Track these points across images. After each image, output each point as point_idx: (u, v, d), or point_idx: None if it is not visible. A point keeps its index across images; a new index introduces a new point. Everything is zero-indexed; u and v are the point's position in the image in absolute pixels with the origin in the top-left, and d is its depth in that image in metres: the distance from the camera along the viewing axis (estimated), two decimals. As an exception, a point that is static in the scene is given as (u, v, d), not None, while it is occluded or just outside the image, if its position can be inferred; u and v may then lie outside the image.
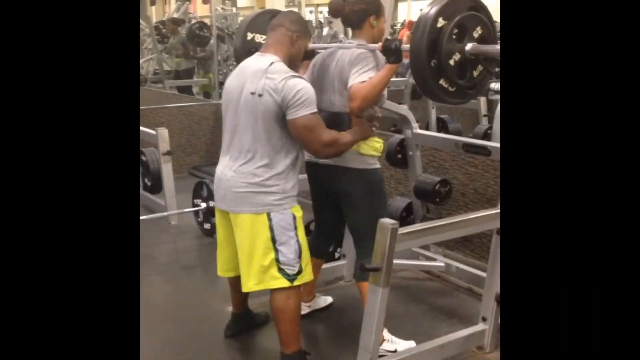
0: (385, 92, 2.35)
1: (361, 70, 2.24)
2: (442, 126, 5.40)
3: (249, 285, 2.24)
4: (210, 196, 3.80)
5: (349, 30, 2.60)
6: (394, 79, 2.57)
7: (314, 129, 2.12)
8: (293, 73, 2.15)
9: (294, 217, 2.21)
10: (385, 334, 2.43)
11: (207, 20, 10.65)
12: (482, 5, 2.16)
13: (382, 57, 2.24)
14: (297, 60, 2.28)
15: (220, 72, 7.51)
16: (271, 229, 2.16)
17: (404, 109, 3.09)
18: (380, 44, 2.22)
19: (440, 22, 2.02)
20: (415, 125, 3.08)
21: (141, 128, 4.23)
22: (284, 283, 2.20)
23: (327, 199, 2.51)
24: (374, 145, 2.35)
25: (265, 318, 2.73)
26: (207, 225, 3.86)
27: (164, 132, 4.06)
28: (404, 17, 21.62)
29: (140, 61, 8.55)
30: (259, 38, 2.58)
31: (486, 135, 5.11)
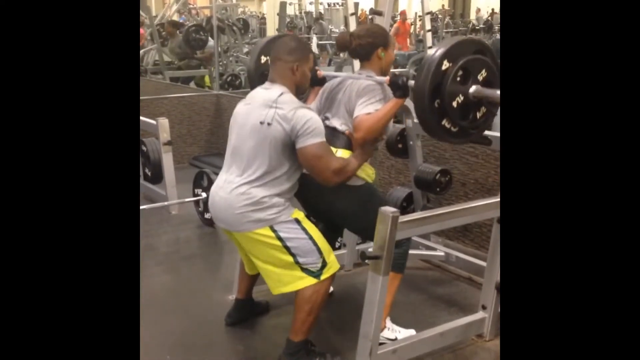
0: (390, 124, 2.38)
1: (368, 102, 2.28)
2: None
3: (279, 288, 2.27)
4: (210, 186, 3.80)
5: (348, 21, 2.60)
6: (394, 69, 2.58)
7: (323, 157, 2.14)
8: (301, 104, 2.21)
9: (297, 220, 2.23)
10: (387, 322, 2.44)
11: (207, 12, 10.64)
12: (488, 49, 2.17)
13: (389, 89, 2.28)
14: (304, 84, 2.33)
15: (221, 63, 7.50)
16: (279, 238, 2.19)
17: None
18: (387, 77, 2.26)
19: (445, 65, 2.04)
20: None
21: (142, 118, 4.22)
22: (311, 281, 2.22)
23: (319, 213, 2.53)
24: (367, 171, 2.37)
25: (266, 307, 2.75)
26: (207, 215, 3.87)
27: (164, 122, 4.05)
28: (404, 7, 21.55)
29: (141, 52, 8.53)
30: None
31: (487, 126, 5.10)
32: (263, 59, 2.65)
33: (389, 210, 1.97)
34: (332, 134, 2.36)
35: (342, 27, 12.12)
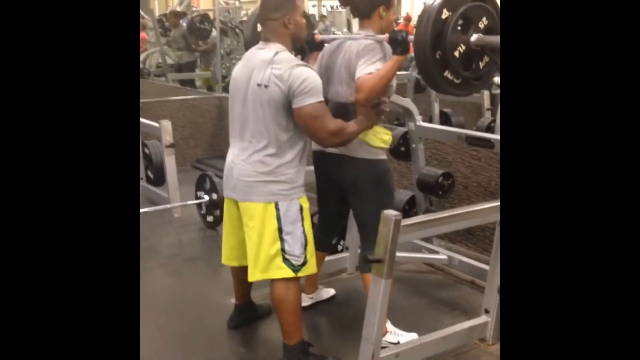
0: (393, 83, 2.33)
1: (368, 62, 2.22)
2: (445, 120, 5.40)
3: (255, 274, 2.25)
4: (213, 189, 3.81)
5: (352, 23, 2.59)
6: (397, 72, 2.57)
7: (319, 118, 2.10)
8: (298, 62, 2.15)
9: (301, 208, 2.21)
10: (388, 325, 2.44)
11: (210, 14, 10.66)
12: None
13: (389, 48, 2.23)
14: (300, 35, 2.26)
15: (223, 65, 7.50)
16: (278, 219, 2.17)
17: (407, 102, 3.09)
18: (387, 35, 2.21)
19: (445, 14, 2.00)
20: (418, 118, 3.07)
21: (144, 121, 4.23)
22: (288, 273, 2.20)
23: (333, 189, 2.51)
24: (383, 138, 2.32)
25: (268, 310, 2.74)
26: (210, 218, 3.87)
27: (167, 125, 4.05)
28: (407, 10, 21.57)
29: (144, 54, 8.54)
30: None
31: (489, 129, 5.10)
32: (259, 27, 2.61)
33: (391, 213, 1.97)
34: (342, 109, 2.31)
35: (345, 30, 12.13)
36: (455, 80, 2.10)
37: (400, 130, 3.26)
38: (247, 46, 2.61)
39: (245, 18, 11.88)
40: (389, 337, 2.42)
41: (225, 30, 8.16)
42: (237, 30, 8.86)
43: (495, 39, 2.04)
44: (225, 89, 6.98)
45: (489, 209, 2.26)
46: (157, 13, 10.29)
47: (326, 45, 2.48)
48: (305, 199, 2.24)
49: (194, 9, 12.72)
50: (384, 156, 2.40)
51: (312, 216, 2.79)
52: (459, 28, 2.03)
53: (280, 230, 2.17)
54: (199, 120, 5.60)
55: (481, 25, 2.06)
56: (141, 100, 4.61)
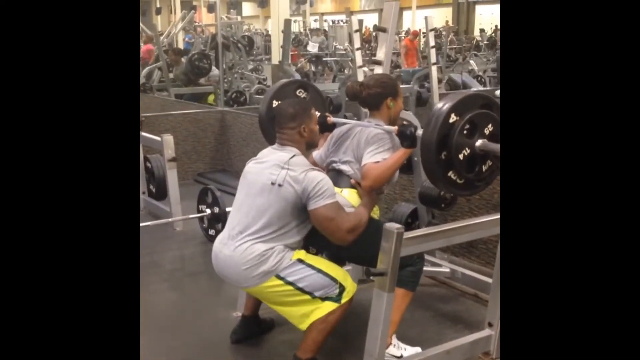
0: (396, 174, 2.42)
1: (376, 151, 2.32)
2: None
3: (307, 322, 2.26)
4: (215, 202, 3.81)
5: (352, 37, 2.63)
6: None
7: (335, 219, 2.18)
8: (312, 166, 2.26)
9: (300, 260, 2.24)
10: (393, 338, 2.43)
11: (212, 29, 10.73)
12: (495, 103, 2.20)
13: (397, 138, 2.33)
14: (315, 141, 2.39)
15: (226, 80, 7.53)
16: (290, 283, 2.21)
17: (409, 115, 3.09)
18: (396, 127, 2.30)
19: (452, 118, 2.08)
20: (420, 131, 3.07)
21: (147, 135, 4.24)
22: (332, 305, 2.24)
23: (323, 246, 2.51)
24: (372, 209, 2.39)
25: (271, 324, 2.73)
26: (211, 232, 3.86)
27: (169, 139, 4.06)
28: (408, 24, 21.67)
29: (146, 69, 8.58)
30: None
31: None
32: (275, 103, 2.69)
33: (393, 226, 1.96)
34: (337, 175, 2.41)
35: (347, 44, 12.19)
36: (458, 180, 2.18)
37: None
38: (262, 121, 2.73)
39: (247, 33, 11.96)
40: (392, 351, 2.41)
41: (227, 45, 8.20)
42: (239, 45, 8.92)
43: (498, 147, 2.10)
44: (227, 103, 7.01)
45: (491, 221, 2.26)
46: (159, 28, 10.36)
47: (337, 127, 2.59)
48: (297, 252, 2.27)
49: (197, 23, 12.82)
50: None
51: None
52: (465, 132, 2.10)
53: (299, 289, 2.21)
54: (201, 134, 5.62)
55: (486, 132, 2.15)
56: (143, 114, 4.63)
